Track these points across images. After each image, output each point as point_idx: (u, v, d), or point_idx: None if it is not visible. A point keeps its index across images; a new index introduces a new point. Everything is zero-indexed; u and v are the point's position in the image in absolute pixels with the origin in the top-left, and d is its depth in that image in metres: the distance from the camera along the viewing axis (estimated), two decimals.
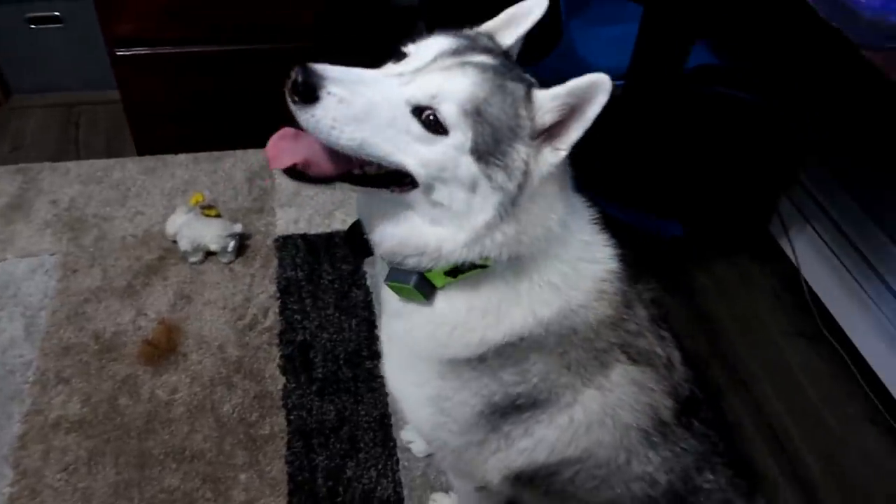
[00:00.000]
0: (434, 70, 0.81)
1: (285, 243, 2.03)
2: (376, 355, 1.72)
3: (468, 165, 0.81)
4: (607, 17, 1.85)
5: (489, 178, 0.81)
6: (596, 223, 0.98)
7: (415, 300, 0.93)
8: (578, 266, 0.94)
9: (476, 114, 0.80)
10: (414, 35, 0.91)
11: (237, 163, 2.28)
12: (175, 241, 1.95)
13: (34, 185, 2.16)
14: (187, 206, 1.98)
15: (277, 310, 1.85)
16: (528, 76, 0.88)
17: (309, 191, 2.20)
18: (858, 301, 1.87)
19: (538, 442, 0.99)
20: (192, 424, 1.60)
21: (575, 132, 0.83)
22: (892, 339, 1.77)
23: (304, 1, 2.09)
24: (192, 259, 1.93)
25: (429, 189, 0.82)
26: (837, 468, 1.68)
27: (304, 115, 0.76)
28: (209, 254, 1.95)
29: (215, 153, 2.30)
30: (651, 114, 1.69)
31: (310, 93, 0.74)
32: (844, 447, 1.72)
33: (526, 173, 0.83)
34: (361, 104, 0.77)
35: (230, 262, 1.96)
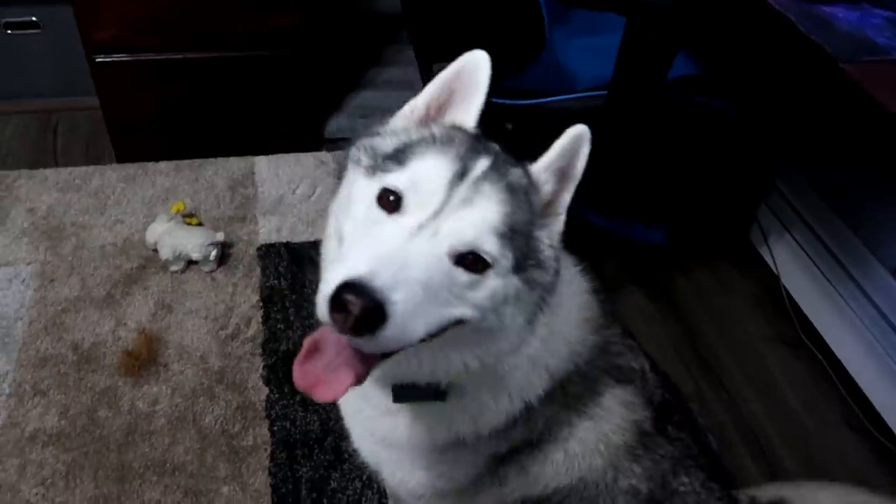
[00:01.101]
0: (456, 208, 0.70)
1: (268, 252, 2.01)
2: None
3: (513, 284, 0.74)
4: (591, 26, 1.87)
5: (529, 282, 0.75)
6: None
7: (428, 402, 0.86)
8: (565, 301, 0.89)
9: (511, 231, 0.72)
10: (383, 165, 0.75)
11: (219, 170, 2.26)
12: (156, 250, 1.93)
13: (11, 192, 2.12)
14: (168, 215, 1.96)
15: (260, 319, 1.84)
16: (506, 152, 0.79)
17: (291, 199, 2.19)
18: (836, 308, 1.91)
19: (534, 478, 0.97)
20: (174, 436, 1.58)
21: (569, 193, 0.78)
22: (868, 345, 1.81)
23: (285, 8, 2.08)
24: (174, 268, 1.91)
25: (480, 321, 0.73)
26: (816, 471, 1.71)
27: (375, 343, 0.62)
28: (191, 263, 1.93)
29: (196, 161, 2.28)
30: (634, 123, 1.71)
31: (378, 318, 0.61)
32: (823, 450, 1.75)
33: (557, 258, 0.77)
34: (420, 291, 0.65)
35: (212, 271, 1.94)
